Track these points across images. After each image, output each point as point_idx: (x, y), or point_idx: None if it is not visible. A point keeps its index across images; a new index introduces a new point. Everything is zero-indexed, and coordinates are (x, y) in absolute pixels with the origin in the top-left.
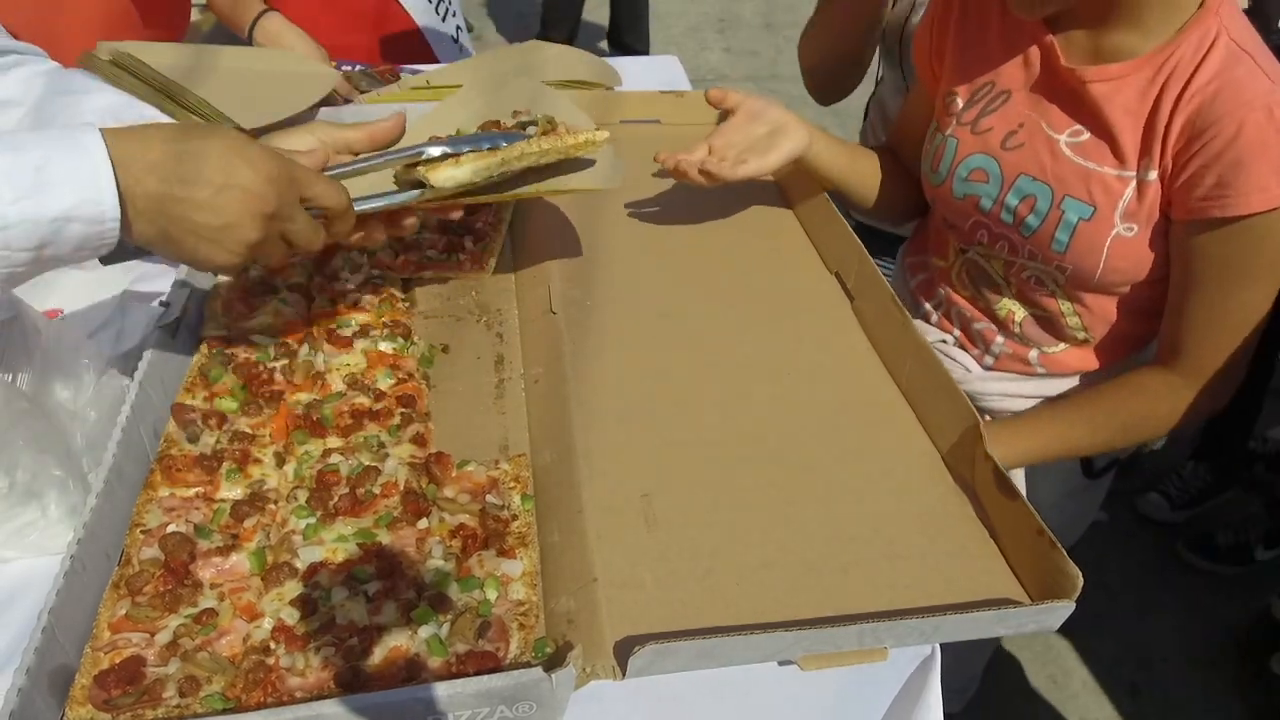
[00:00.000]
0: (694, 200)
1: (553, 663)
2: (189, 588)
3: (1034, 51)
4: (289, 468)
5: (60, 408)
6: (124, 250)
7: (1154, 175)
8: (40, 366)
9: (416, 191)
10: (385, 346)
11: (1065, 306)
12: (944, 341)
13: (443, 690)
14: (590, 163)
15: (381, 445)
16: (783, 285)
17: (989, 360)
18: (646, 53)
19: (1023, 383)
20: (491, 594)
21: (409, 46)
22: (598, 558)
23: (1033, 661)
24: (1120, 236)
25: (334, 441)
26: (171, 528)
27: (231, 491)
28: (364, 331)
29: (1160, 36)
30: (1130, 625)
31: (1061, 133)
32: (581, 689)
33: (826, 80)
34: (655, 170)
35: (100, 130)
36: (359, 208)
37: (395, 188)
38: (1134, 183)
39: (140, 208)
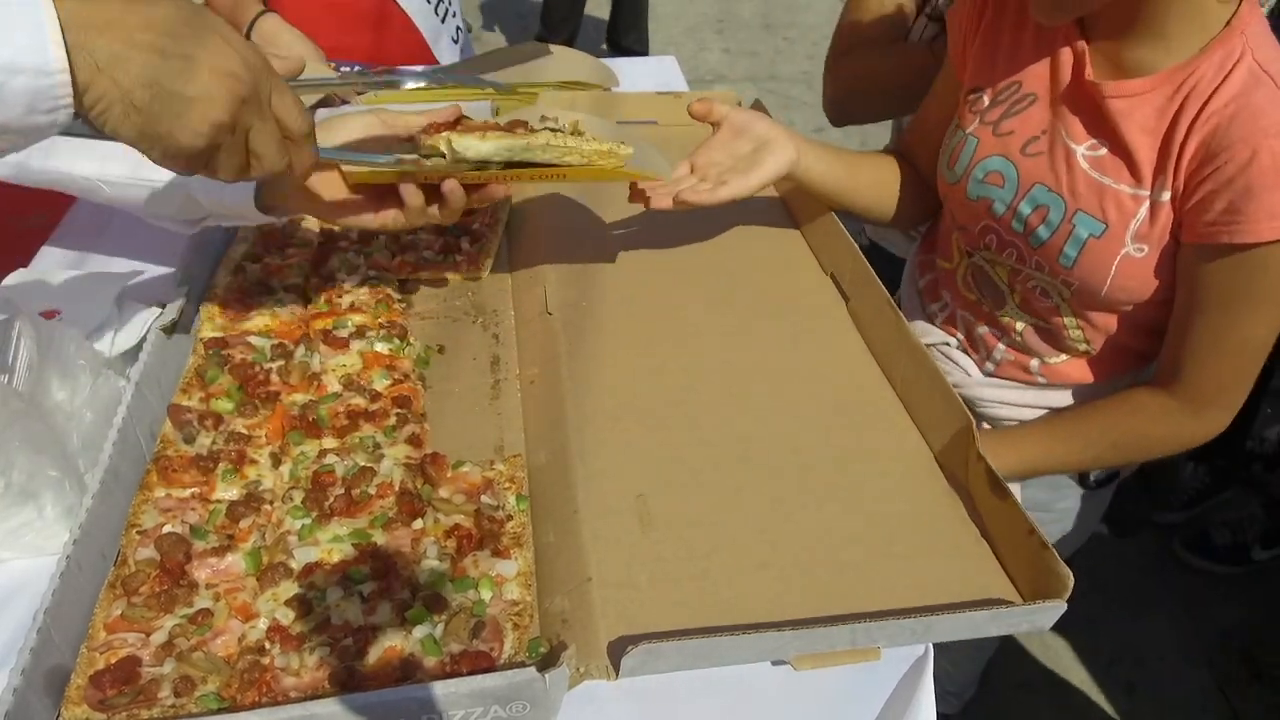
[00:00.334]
0: None
1: (547, 663)
2: (184, 588)
3: (1066, 56)
4: (284, 468)
5: (57, 408)
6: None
7: (1167, 196)
8: (37, 367)
9: (396, 157)
10: (381, 347)
11: (1069, 320)
12: (947, 344)
13: (437, 690)
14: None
15: (377, 446)
16: (778, 286)
17: (990, 366)
18: (646, 54)
19: (1023, 391)
20: (486, 594)
21: (408, 47)
22: (592, 558)
23: (1030, 660)
24: (1129, 256)
25: (329, 442)
26: (167, 528)
27: (227, 492)
28: (360, 332)
29: (1183, 53)
30: (1127, 624)
31: (1081, 144)
32: (575, 689)
33: (853, 114)
34: None
35: None
36: (338, 158)
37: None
38: (1148, 203)
39: (102, 65)
